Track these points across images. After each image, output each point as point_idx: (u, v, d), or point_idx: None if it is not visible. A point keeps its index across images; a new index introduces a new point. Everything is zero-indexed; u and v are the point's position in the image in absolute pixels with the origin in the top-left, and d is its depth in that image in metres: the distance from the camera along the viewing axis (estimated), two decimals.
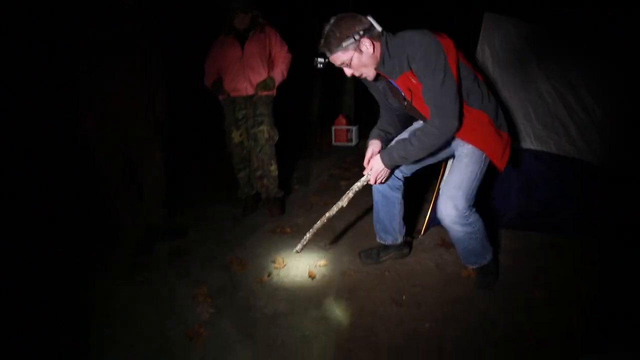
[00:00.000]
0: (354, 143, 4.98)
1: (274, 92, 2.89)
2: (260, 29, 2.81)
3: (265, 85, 2.80)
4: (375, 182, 1.89)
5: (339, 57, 1.68)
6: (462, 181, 1.79)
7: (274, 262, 2.33)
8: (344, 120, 5.01)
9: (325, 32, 1.65)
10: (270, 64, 2.87)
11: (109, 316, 1.95)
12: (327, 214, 1.99)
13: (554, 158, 2.31)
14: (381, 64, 1.71)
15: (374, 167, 1.86)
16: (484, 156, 1.81)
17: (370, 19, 1.68)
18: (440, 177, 2.38)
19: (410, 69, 1.64)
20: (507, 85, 2.34)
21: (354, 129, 5.05)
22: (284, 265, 2.30)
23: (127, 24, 2.35)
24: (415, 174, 2.09)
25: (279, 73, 2.84)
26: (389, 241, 2.23)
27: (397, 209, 2.15)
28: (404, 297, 1.96)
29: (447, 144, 1.79)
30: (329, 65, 1.76)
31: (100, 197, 2.65)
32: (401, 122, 2.02)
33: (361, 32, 1.62)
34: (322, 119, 5.63)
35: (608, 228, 2.27)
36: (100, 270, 2.36)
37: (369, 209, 2.39)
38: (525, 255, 2.23)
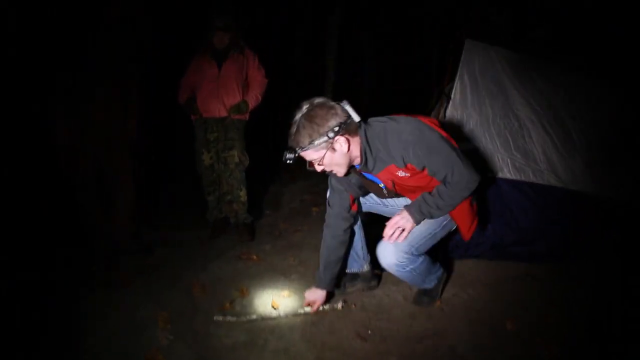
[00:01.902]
0: None
1: (247, 116, 2.81)
2: (240, 50, 2.74)
3: (238, 108, 2.71)
4: (392, 240, 1.72)
5: (309, 155, 1.57)
6: (412, 234, 1.72)
7: (237, 290, 2.19)
8: None
9: (296, 124, 1.52)
10: (246, 87, 2.79)
11: (66, 333, 1.84)
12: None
13: (532, 187, 2.26)
14: (364, 163, 1.62)
15: (401, 224, 1.69)
16: (447, 220, 1.78)
17: (348, 108, 1.55)
18: None
19: (406, 164, 1.58)
20: (485, 114, 2.31)
21: None
22: (248, 294, 2.15)
23: (102, 40, 2.31)
24: (366, 215, 2.04)
25: (254, 97, 2.76)
26: (354, 268, 2.11)
27: (358, 235, 2.03)
28: (369, 331, 1.83)
29: None
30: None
31: (70, 208, 2.55)
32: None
33: (336, 129, 1.50)
34: None
35: (587, 254, 2.22)
36: (62, 284, 2.25)
37: None
38: (499, 286, 2.13)
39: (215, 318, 1.93)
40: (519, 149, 2.30)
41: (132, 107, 2.46)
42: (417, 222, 1.70)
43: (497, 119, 2.34)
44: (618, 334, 1.73)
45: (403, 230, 1.69)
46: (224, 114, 2.74)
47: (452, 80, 2.45)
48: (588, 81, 2.38)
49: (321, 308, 1.98)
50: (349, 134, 1.55)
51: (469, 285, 2.13)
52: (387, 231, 1.71)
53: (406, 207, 1.73)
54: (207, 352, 1.73)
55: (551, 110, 2.31)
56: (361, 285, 2.14)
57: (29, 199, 2.85)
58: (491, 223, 2.28)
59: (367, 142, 1.58)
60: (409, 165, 1.60)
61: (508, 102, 2.34)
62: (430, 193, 1.68)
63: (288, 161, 1.55)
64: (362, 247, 2.07)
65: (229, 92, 2.71)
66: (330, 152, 1.54)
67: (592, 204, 2.22)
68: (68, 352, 1.74)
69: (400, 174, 1.64)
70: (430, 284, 1.96)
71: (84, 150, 2.35)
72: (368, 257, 2.10)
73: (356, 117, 1.55)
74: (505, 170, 2.30)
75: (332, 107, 1.52)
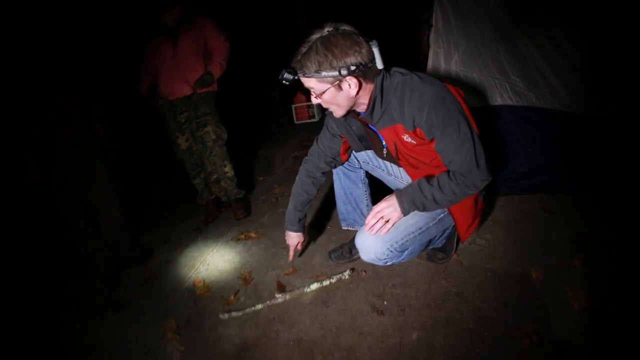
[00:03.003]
0: (317, 118, 4.59)
1: (215, 87, 2.50)
2: (192, 21, 2.40)
3: (202, 81, 2.41)
4: (373, 231, 1.48)
5: (309, 82, 1.30)
6: (397, 227, 1.47)
7: (239, 277, 2.03)
8: (303, 97, 4.59)
9: (309, 44, 1.25)
10: (208, 57, 2.47)
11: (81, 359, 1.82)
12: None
13: (535, 111, 1.97)
14: (369, 112, 1.36)
15: (386, 213, 1.45)
16: (445, 214, 1.53)
17: (375, 50, 1.26)
18: None
19: (415, 128, 1.34)
20: (474, 39, 1.98)
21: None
22: (251, 280, 2.00)
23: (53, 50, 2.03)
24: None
25: (217, 66, 2.45)
26: (358, 226, 1.92)
27: (362, 190, 1.84)
28: (384, 302, 1.67)
29: None
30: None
31: (62, 229, 2.34)
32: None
33: (352, 68, 1.24)
34: (281, 98, 5.18)
35: (599, 179, 1.97)
36: (70, 308, 2.17)
37: (333, 204, 2.06)
38: (517, 226, 1.92)
39: (221, 317, 1.80)
40: (517, 74, 1.99)
41: (97, 115, 2.23)
42: (405, 213, 1.44)
43: (487, 42, 2.01)
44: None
45: (387, 220, 1.45)
46: (189, 91, 2.45)
47: (431, 5, 2.10)
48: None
49: (327, 282, 1.82)
50: (364, 78, 1.30)
51: (486, 229, 1.93)
52: (370, 219, 1.46)
53: (396, 192, 1.46)
54: (220, 359, 1.62)
55: (543, 30, 1.95)
56: None
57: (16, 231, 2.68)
58: (499, 155, 2.02)
59: (382, 91, 1.35)
60: (417, 130, 1.34)
61: (497, 24, 1.99)
62: (428, 181, 1.40)
63: (284, 82, 1.31)
64: (367, 205, 1.87)
65: (189, 67, 2.41)
66: (334, 89, 1.30)
67: (598, 126, 1.94)
68: None
69: (406, 138, 1.39)
70: (439, 244, 1.78)
71: (61, 172, 2.13)
72: None
73: (380, 64, 1.29)
74: (506, 97, 2.01)
75: (357, 43, 1.24)
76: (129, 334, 1.88)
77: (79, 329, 1.99)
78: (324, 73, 1.24)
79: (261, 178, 3.21)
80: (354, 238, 1.93)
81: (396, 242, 1.52)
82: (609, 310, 1.42)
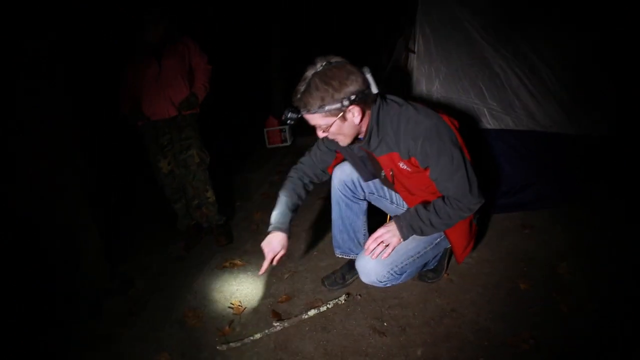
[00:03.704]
0: (289, 142, 4.60)
1: (198, 109, 2.45)
2: (176, 40, 2.35)
3: (188, 103, 2.35)
4: (374, 256, 1.51)
5: (314, 119, 1.32)
6: (397, 251, 1.53)
7: (231, 307, 1.96)
8: (275, 121, 4.60)
9: (306, 82, 1.28)
10: (190, 78, 2.42)
11: None
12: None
13: (513, 134, 2.11)
14: (366, 141, 1.41)
15: (386, 238, 1.49)
16: (441, 238, 1.61)
17: (369, 76, 1.31)
18: None
19: (410, 157, 1.41)
20: (454, 65, 2.10)
21: (287, 127, 4.61)
22: (244, 309, 1.93)
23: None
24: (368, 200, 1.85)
25: (201, 87, 2.40)
26: (353, 255, 1.92)
27: (362, 221, 1.86)
28: (384, 323, 1.69)
29: None
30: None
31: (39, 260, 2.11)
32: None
33: (352, 97, 1.28)
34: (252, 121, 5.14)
35: (576, 194, 2.16)
36: (52, 344, 1.93)
37: (324, 228, 2.08)
38: (500, 243, 2.04)
39: (218, 348, 1.71)
40: (494, 98, 2.13)
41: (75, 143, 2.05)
42: (405, 238, 1.50)
43: (466, 68, 2.13)
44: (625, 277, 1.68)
45: (387, 245, 1.50)
46: (173, 113, 2.37)
47: (411, 32, 2.22)
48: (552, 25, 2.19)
49: (324, 307, 1.81)
50: (364, 105, 1.35)
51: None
52: (370, 244, 1.50)
53: (395, 218, 1.52)
54: None
55: (520, 55, 2.13)
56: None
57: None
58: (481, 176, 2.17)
59: (377, 121, 1.40)
60: (412, 159, 1.41)
61: (475, 50, 2.13)
62: (425, 207, 1.47)
63: (289, 121, 1.33)
64: (365, 234, 1.89)
65: (175, 88, 2.34)
66: (339, 121, 1.33)
67: (573, 143, 2.12)
68: None
69: (402, 165, 1.45)
70: (432, 266, 1.84)
71: (39, 205, 1.94)
72: None
73: (374, 89, 1.34)
74: (484, 121, 2.14)
75: (352, 72, 1.29)
76: None
77: None
78: (327, 107, 1.28)
79: (238, 203, 3.14)
80: (345, 265, 1.98)
81: (396, 266, 1.57)
82: (597, 312, 1.54)
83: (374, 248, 1.49)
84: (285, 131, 4.56)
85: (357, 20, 5.71)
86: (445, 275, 1.88)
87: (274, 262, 1.62)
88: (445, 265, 1.88)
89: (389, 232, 1.49)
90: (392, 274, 1.57)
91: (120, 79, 2.35)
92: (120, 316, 2.07)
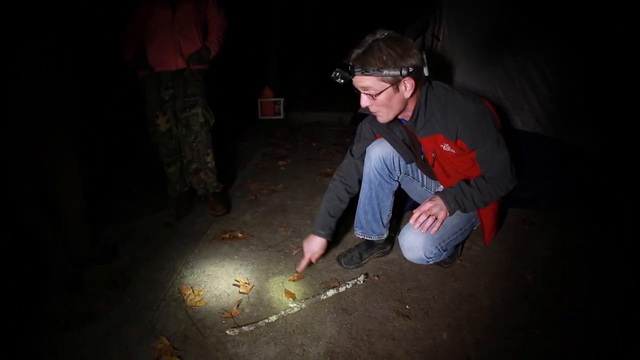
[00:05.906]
0: (282, 115, 4.40)
1: (207, 65, 2.16)
2: None
3: (199, 57, 2.07)
4: (423, 229, 1.44)
5: (368, 81, 1.26)
6: (444, 226, 1.49)
7: (237, 285, 1.78)
8: (270, 92, 4.35)
9: (367, 43, 1.24)
10: (205, 30, 2.14)
11: None
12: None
13: (520, 134, 2.14)
14: (412, 120, 1.36)
15: (434, 212, 1.41)
16: (475, 218, 1.63)
17: (425, 58, 1.29)
18: None
19: (457, 139, 1.40)
20: (474, 60, 2.11)
21: (282, 100, 4.45)
22: (251, 288, 1.77)
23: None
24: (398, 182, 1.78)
25: (215, 42, 2.12)
26: (374, 237, 1.84)
27: (390, 201, 1.78)
28: (406, 305, 1.65)
29: None
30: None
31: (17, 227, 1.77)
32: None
33: (410, 69, 1.24)
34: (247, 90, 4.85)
35: (573, 200, 2.25)
36: (32, 322, 1.60)
37: None
38: (503, 236, 2.07)
39: (228, 332, 1.51)
40: (506, 97, 2.14)
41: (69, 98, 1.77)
42: (451, 212, 1.44)
43: (486, 65, 2.14)
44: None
45: (436, 219, 1.43)
46: (182, 65, 2.06)
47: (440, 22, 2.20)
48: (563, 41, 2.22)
49: (343, 288, 1.73)
50: (417, 82, 1.31)
51: (476, 236, 2.01)
52: (419, 217, 1.41)
53: (439, 193, 1.46)
54: None
55: (530, 59, 2.15)
56: (376, 252, 1.91)
57: None
58: None
59: (426, 101, 1.38)
60: (459, 142, 1.39)
61: (493, 49, 2.15)
62: (467, 183, 1.46)
63: (338, 80, 1.26)
64: (389, 215, 1.81)
65: (187, 38, 2.04)
66: (392, 90, 1.29)
67: (571, 152, 2.21)
68: None
69: (445, 147, 1.43)
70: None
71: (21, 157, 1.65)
72: (389, 225, 1.86)
73: (426, 72, 1.31)
74: None
75: (414, 46, 1.27)
76: (112, 356, 1.45)
77: (43, 351, 1.47)
78: (385, 71, 1.22)
79: (230, 172, 2.88)
80: (363, 243, 1.90)
81: (443, 241, 1.55)
82: (597, 304, 1.64)
83: (424, 221, 1.42)
84: (279, 104, 4.39)
85: (357, 20, 5.53)
86: (459, 261, 1.88)
87: (313, 261, 1.72)
88: (460, 251, 1.88)
89: (436, 206, 1.43)
90: (439, 250, 1.55)
91: (128, 20, 2.03)
92: (101, 290, 1.77)
